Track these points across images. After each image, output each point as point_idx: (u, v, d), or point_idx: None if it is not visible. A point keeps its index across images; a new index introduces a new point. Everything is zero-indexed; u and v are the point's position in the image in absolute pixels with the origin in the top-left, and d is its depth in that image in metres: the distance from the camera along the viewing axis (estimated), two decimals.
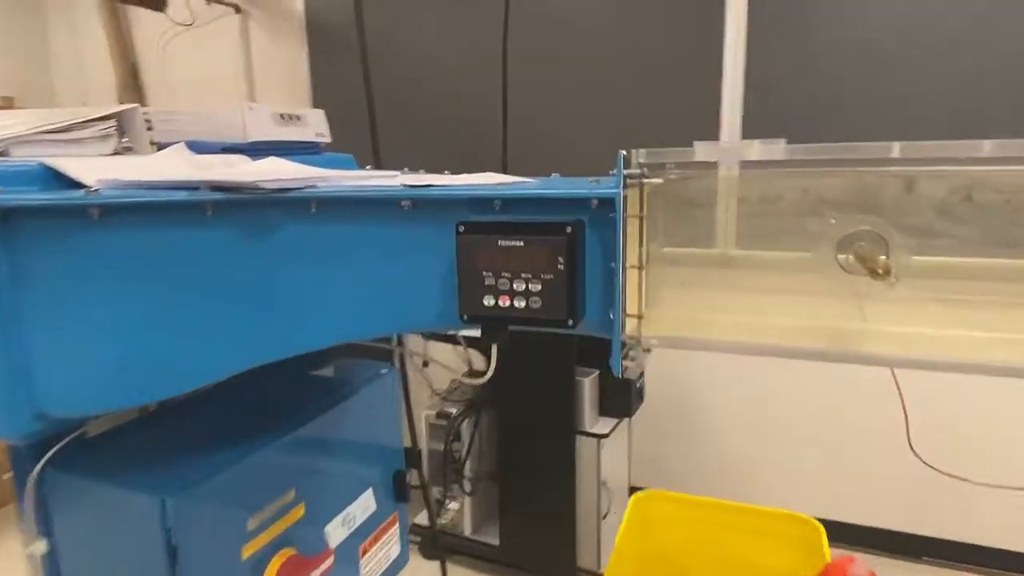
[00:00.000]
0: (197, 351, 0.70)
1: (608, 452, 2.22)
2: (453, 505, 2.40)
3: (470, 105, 2.55)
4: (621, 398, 2.22)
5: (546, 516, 2.22)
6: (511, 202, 0.70)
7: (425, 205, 0.72)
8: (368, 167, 1.29)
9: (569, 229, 0.65)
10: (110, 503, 0.79)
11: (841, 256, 0.70)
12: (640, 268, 0.67)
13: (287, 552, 0.93)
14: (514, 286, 0.66)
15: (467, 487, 2.33)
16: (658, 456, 2.72)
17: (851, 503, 2.45)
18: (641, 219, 0.66)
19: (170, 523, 0.75)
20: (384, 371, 1.20)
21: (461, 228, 0.68)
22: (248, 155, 0.99)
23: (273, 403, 1.05)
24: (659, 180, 0.66)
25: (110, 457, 0.85)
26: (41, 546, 0.85)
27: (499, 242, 0.66)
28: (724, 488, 2.66)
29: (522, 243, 0.65)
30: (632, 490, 2.58)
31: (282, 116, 1.14)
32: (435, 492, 2.38)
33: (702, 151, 0.64)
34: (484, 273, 0.67)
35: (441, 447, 2.31)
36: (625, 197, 0.65)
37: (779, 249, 0.74)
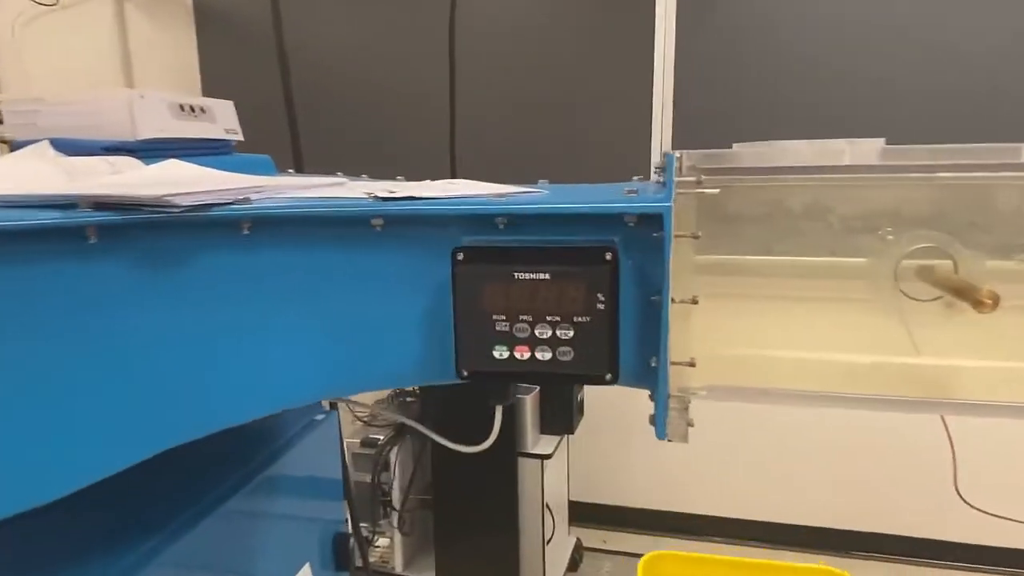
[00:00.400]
0: (75, 442, 0.48)
1: (551, 472, 2.08)
2: (383, 541, 2.18)
3: (403, 102, 2.34)
4: (563, 414, 2.09)
5: (486, 545, 2.06)
6: (520, 220, 0.53)
7: (404, 224, 0.54)
8: (289, 172, 1.07)
9: (609, 255, 0.49)
10: None
11: (925, 282, 0.58)
12: (693, 302, 0.52)
13: None
14: (536, 332, 0.50)
15: (396, 522, 2.12)
16: (594, 469, 2.62)
17: (794, 504, 2.46)
18: (694, 240, 0.51)
19: None
20: (321, 416, 1.00)
21: (460, 256, 0.50)
22: (139, 157, 0.76)
23: (185, 469, 0.83)
24: (716, 190, 0.51)
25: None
26: None
27: (515, 274, 0.49)
28: (661, 499, 2.60)
29: (547, 275, 0.49)
30: (572, 505, 2.46)
31: (181, 107, 0.90)
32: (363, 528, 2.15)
33: (778, 154, 0.50)
34: (494, 316, 0.50)
35: (368, 478, 2.09)
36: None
37: (843, 270, 0.62)
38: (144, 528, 0.69)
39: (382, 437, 2.12)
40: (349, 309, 0.55)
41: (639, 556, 2.45)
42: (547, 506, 2.06)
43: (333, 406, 1.04)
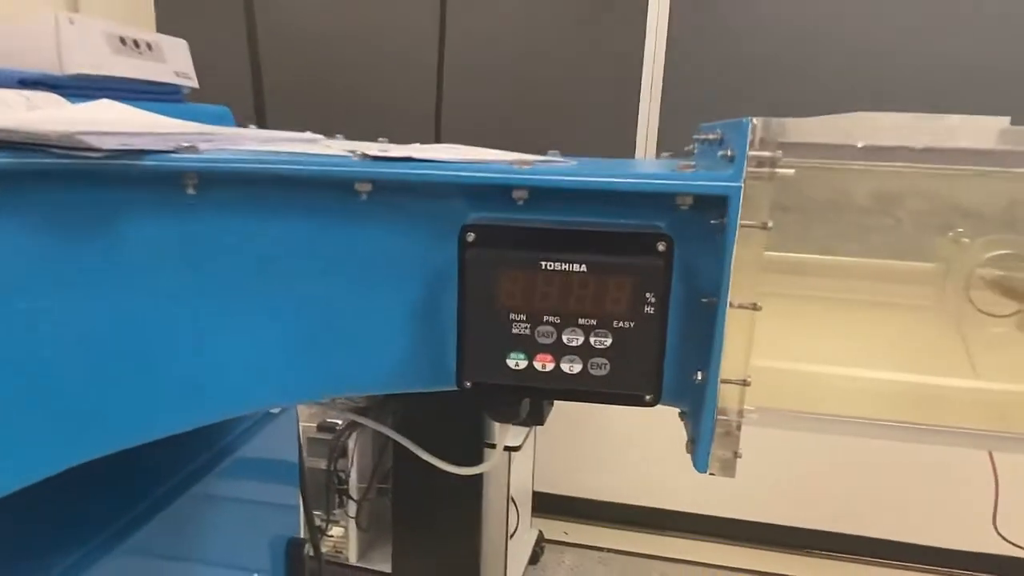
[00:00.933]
0: None
1: (518, 464, 1.99)
2: (336, 530, 2.06)
3: (386, 59, 2.17)
4: (533, 405, 2.00)
5: (447, 539, 1.96)
6: (545, 195, 0.42)
7: (398, 192, 0.43)
8: (250, 127, 0.93)
9: (663, 246, 0.38)
10: None
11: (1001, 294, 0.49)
12: (754, 308, 0.42)
13: None
14: (564, 338, 0.39)
15: (352, 512, 2.01)
16: (558, 459, 2.55)
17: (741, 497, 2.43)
18: (764, 230, 0.41)
19: None
20: (276, 410, 0.88)
21: (471, 236, 0.39)
22: (65, 95, 0.62)
23: (127, 468, 0.70)
24: (791, 170, 0.41)
25: None
26: None
27: (543, 263, 0.38)
28: (625, 492, 2.55)
29: (584, 267, 0.38)
30: (536, 496, 2.39)
31: (122, 40, 0.76)
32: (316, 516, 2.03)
33: (869, 130, 0.40)
34: (512, 316, 0.39)
35: (323, 465, 1.97)
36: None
37: (901, 274, 0.53)
38: (79, 533, 0.56)
39: (341, 422, 1.99)
40: (322, 296, 0.44)
41: (601, 549, 2.40)
42: (512, 499, 1.97)
43: None
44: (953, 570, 2.23)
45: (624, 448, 2.50)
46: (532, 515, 2.33)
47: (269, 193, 0.42)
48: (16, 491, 0.39)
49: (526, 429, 1.99)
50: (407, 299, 0.45)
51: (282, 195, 0.42)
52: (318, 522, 2.01)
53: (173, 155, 0.40)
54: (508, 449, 1.89)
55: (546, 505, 2.55)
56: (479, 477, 1.88)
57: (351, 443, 2.01)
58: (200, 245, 0.41)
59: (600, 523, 2.56)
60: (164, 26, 2.19)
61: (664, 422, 0.45)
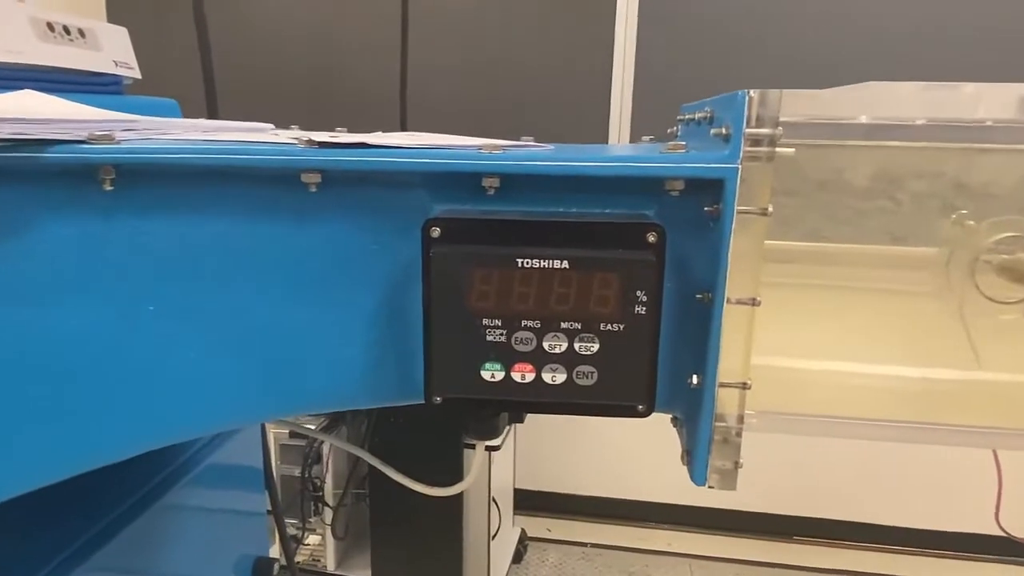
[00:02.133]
0: None
1: (498, 463, 1.95)
2: (313, 539, 2.00)
3: (348, 49, 2.10)
4: None
5: (428, 543, 1.91)
6: (518, 183, 0.37)
7: (351, 183, 0.37)
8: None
9: (653, 237, 0.34)
10: None
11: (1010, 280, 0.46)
12: (754, 304, 0.38)
13: None
14: (545, 345, 0.34)
15: (328, 518, 1.95)
16: (538, 455, 2.51)
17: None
18: (764, 216, 0.37)
19: None
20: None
21: (436, 231, 0.34)
22: None
23: (87, 481, 0.64)
24: (791, 150, 0.37)
25: None
26: None
27: (519, 260, 0.33)
28: (608, 485, 2.52)
29: (566, 263, 0.33)
30: (517, 493, 2.35)
31: (51, 27, 0.69)
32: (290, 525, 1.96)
33: (882, 100, 0.36)
34: (485, 321, 0.34)
35: (297, 472, 1.90)
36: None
37: (901, 259, 0.49)
38: (38, 551, 0.51)
39: (314, 427, 1.93)
40: (267, 305, 0.38)
41: (584, 545, 2.37)
42: (493, 500, 1.93)
43: None
44: (953, 552, 2.25)
45: (605, 442, 2.48)
46: (514, 512, 2.29)
47: (201, 188, 0.36)
48: None
49: (506, 427, 1.95)
50: (365, 305, 0.39)
51: (216, 190, 0.36)
52: (294, 531, 1.94)
53: (84, 146, 0.34)
54: (489, 449, 1.84)
55: (528, 502, 2.51)
56: (459, 480, 1.83)
57: (325, 448, 1.94)
58: (119, 249, 0.35)
59: (583, 518, 2.53)
60: (115, 16, 2.09)
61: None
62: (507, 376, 0.35)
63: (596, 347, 0.34)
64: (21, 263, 0.35)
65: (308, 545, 1.99)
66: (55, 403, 0.35)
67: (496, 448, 1.85)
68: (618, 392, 0.35)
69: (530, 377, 0.35)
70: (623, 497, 2.51)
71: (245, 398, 0.39)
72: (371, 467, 1.90)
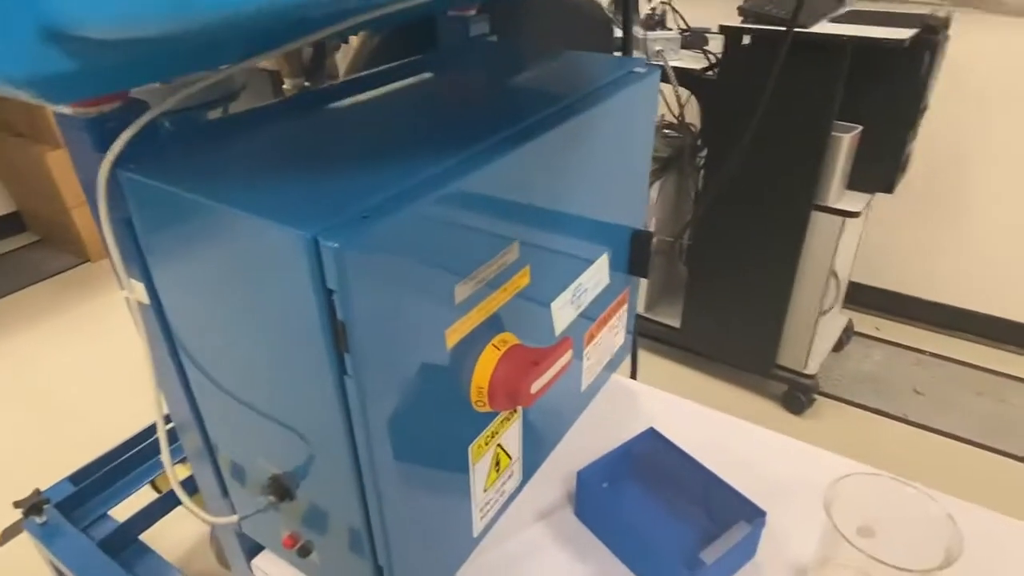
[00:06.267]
0: None
1: (848, 236, 1.71)
2: None
3: None
4: (884, 165, 1.64)
5: (748, 302, 1.82)
6: None
7: None
8: None
9: None
10: (227, 236, 0.43)
11: None
12: None
13: (507, 339, 0.56)
14: None
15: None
16: (883, 248, 2.17)
17: None
18: None
19: (333, 284, 0.38)
20: (641, 69, 0.73)
21: None
22: None
23: (474, 106, 0.63)
24: None
25: (220, 168, 0.48)
26: (137, 290, 0.53)
27: None
28: (949, 290, 2.11)
29: None
30: (851, 286, 2.10)
31: None
32: None
33: None
34: None
35: None
36: None
37: None
38: (446, 147, 0.51)
39: None
40: None
41: (922, 352, 2.08)
42: (835, 274, 1.73)
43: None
44: None
45: (969, 247, 2.04)
46: (843, 304, 2.07)
47: None
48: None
49: (867, 196, 1.67)
50: None
51: None
52: None
53: None
54: (842, 214, 1.61)
55: (859, 297, 2.25)
56: (799, 237, 1.65)
57: (653, 193, 1.89)
58: None
59: (925, 325, 2.20)
60: None
61: None
62: None
63: None
64: None
65: None
66: None
67: (854, 214, 1.60)
68: None
69: None
70: (981, 311, 2.11)
71: None
72: (702, 212, 1.80)
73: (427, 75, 0.70)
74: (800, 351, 1.81)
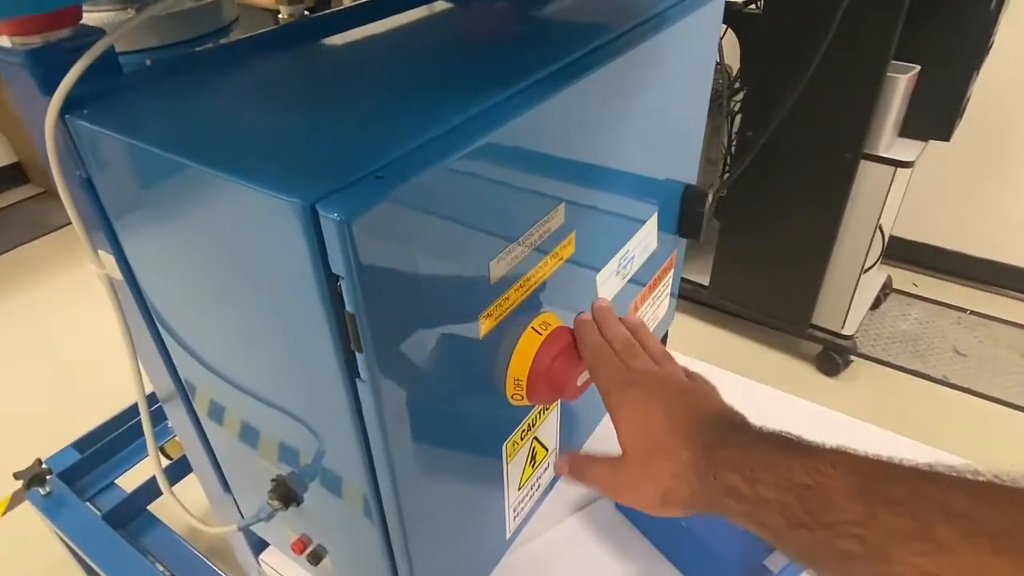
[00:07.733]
0: None
1: (898, 188, 1.58)
2: None
3: None
4: (942, 111, 1.51)
5: (784, 258, 1.71)
6: None
7: None
8: None
9: None
10: (203, 206, 0.33)
11: None
12: None
13: (548, 320, 0.47)
14: None
15: None
16: (928, 201, 2.04)
17: None
18: None
19: (339, 268, 0.29)
20: None
21: None
22: None
23: (509, 40, 0.53)
24: None
25: (195, 114, 0.38)
26: (107, 263, 0.44)
27: None
28: (992, 245, 1.98)
29: None
30: (892, 241, 1.98)
31: None
32: None
33: None
34: None
35: None
36: None
37: None
38: (475, 91, 0.40)
39: None
40: None
41: (964, 311, 1.97)
42: (880, 229, 1.61)
43: None
44: None
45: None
46: (883, 258, 1.95)
47: None
48: None
49: (921, 144, 1.53)
50: None
51: None
52: None
53: None
54: (894, 164, 1.48)
55: (897, 251, 2.13)
56: (844, 188, 1.53)
57: None
58: None
59: (968, 282, 2.08)
60: None
61: None
62: None
63: None
64: None
65: None
66: None
67: (907, 164, 1.48)
68: None
69: None
70: (1004, 261, 1.99)
71: None
72: (733, 160, 1.68)
73: (452, 2, 0.59)
74: (839, 310, 1.71)
